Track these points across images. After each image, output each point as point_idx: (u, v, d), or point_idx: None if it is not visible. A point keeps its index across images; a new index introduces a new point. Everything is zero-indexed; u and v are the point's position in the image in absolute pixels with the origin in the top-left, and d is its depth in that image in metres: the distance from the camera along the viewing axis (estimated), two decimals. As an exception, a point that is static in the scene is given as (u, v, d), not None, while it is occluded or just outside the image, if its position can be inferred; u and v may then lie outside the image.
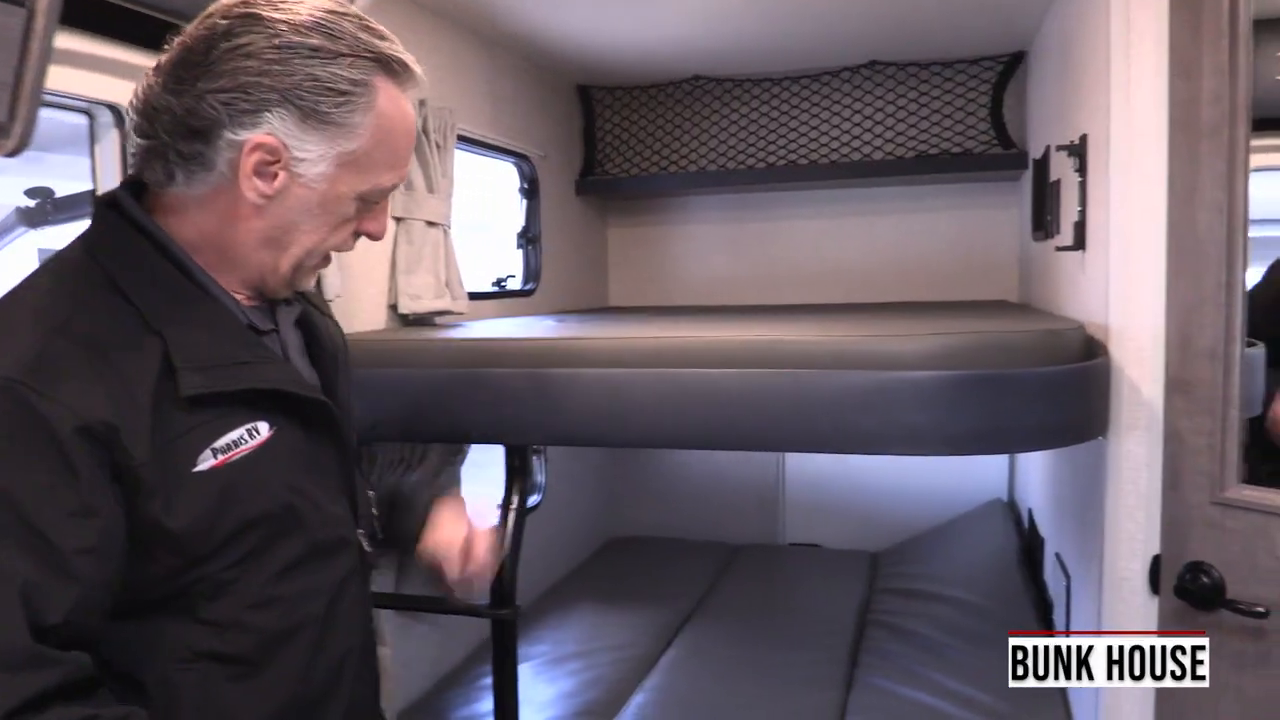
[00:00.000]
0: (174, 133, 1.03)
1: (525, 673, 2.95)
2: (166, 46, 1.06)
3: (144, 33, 1.76)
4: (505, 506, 2.00)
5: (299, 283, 1.17)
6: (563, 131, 3.86)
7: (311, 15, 1.04)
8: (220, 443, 1.04)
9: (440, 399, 1.95)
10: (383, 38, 1.08)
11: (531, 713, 2.72)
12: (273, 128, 1.03)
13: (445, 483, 2.40)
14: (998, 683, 2.64)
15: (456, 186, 2.80)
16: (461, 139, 2.92)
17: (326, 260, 1.18)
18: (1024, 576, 3.39)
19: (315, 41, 1.03)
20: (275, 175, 1.06)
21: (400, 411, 1.95)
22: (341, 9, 1.07)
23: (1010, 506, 4.11)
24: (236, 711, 1.08)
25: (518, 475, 2.04)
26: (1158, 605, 1.78)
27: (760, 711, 2.71)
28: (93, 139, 1.81)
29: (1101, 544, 1.91)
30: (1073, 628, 2.46)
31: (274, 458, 1.09)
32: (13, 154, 1.27)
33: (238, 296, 1.13)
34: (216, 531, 1.04)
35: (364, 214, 1.15)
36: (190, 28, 1.05)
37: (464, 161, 3.21)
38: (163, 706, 1.03)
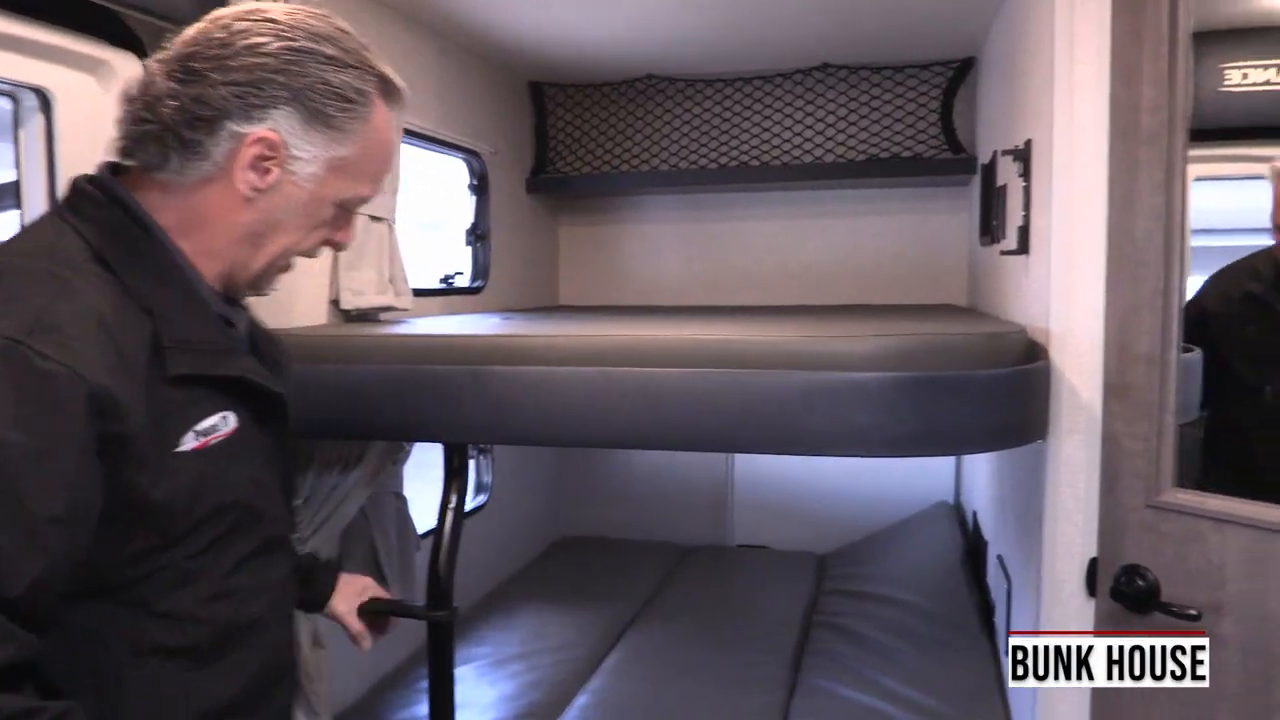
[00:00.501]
0: (178, 120, 1.06)
1: (467, 674, 2.92)
2: (166, 45, 1.10)
3: (71, 15, 1.72)
4: (443, 507, 1.97)
5: (264, 284, 1.20)
6: (514, 128, 3.82)
7: (326, 27, 1.11)
8: (201, 426, 1.06)
9: (380, 396, 1.91)
10: (381, 61, 1.16)
11: (473, 715, 2.69)
12: (276, 124, 1.07)
13: (385, 482, 2.36)
14: (939, 684, 2.70)
15: (406, 183, 2.76)
16: (408, 133, 2.87)
17: (290, 265, 1.21)
18: (968, 579, 3.42)
19: (330, 50, 1.10)
20: (269, 170, 1.09)
21: (339, 408, 1.91)
22: (348, 30, 1.14)
23: (956, 509, 4.15)
24: (185, 706, 1.09)
25: (456, 475, 2.00)
26: (1094, 608, 1.79)
27: (703, 713, 2.70)
28: (17, 124, 1.75)
29: (1040, 546, 1.92)
30: (1012, 630, 2.48)
31: (240, 449, 1.12)
32: None
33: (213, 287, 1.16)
34: (194, 512, 1.06)
35: (338, 221, 1.20)
36: (197, 26, 1.10)
37: (419, 159, 3.17)
38: (112, 699, 1.04)
